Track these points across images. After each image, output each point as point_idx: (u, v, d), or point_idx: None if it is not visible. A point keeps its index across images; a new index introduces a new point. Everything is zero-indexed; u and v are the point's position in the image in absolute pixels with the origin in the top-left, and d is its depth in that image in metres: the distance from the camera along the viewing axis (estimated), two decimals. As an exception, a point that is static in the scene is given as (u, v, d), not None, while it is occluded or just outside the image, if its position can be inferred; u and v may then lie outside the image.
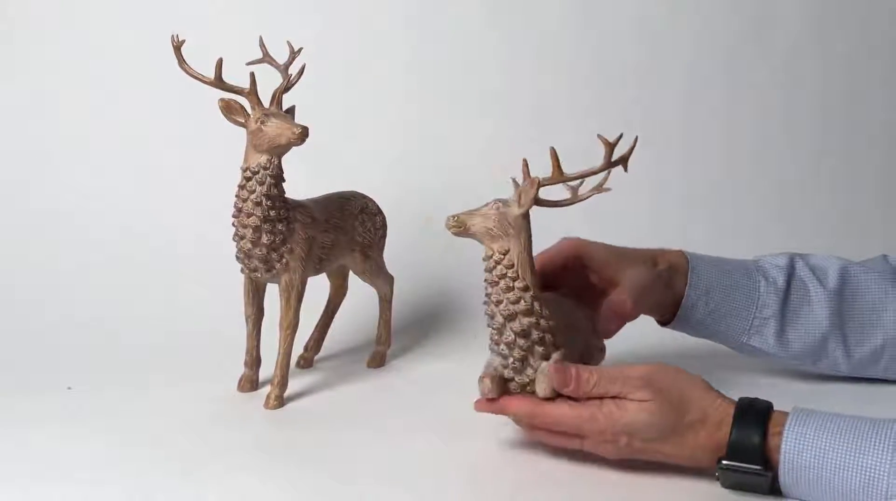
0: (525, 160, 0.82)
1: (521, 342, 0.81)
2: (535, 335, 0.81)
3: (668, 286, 0.98)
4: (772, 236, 1.43)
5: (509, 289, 0.81)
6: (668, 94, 1.53)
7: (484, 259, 0.82)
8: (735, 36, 1.53)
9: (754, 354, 1.03)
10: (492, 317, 0.82)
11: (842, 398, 0.93)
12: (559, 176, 0.82)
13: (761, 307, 1.00)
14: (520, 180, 0.83)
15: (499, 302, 0.81)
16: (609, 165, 0.83)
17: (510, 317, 0.81)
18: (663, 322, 1.02)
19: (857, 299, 1.00)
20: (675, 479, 0.80)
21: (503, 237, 0.81)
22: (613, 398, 0.79)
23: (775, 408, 0.77)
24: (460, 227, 0.81)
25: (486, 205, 0.82)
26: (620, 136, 0.83)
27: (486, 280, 0.82)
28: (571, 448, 0.82)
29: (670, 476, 0.80)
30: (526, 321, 0.81)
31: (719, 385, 0.80)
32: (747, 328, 1.00)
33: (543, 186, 0.81)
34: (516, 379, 0.82)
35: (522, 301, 0.81)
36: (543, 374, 0.81)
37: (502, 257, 0.81)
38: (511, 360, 0.82)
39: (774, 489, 0.76)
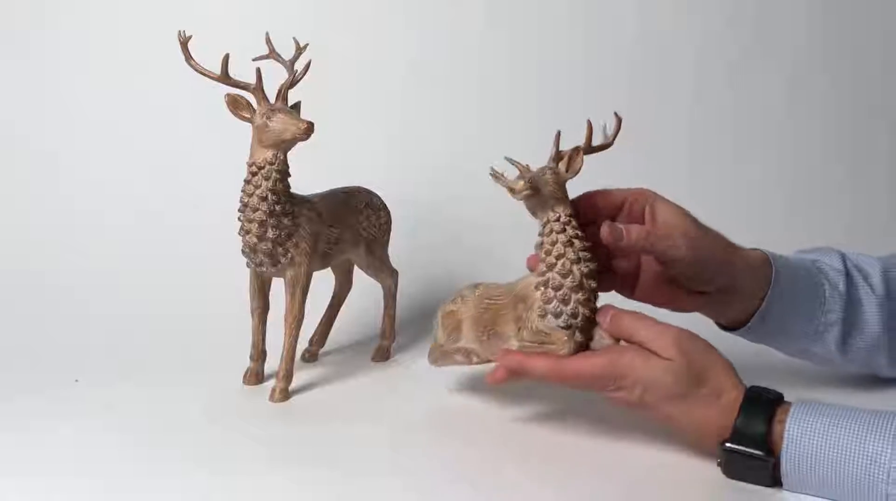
0: (558, 132, 0.84)
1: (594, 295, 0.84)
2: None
3: (732, 286, 0.91)
4: (783, 234, 1.36)
5: (584, 248, 0.83)
6: (674, 90, 1.54)
7: (548, 222, 0.83)
8: (740, 35, 1.55)
9: (810, 360, 0.98)
10: (565, 276, 0.82)
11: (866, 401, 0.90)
12: (589, 144, 0.86)
13: (827, 312, 0.94)
14: (512, 170, 0.85)
15: (577, 260, 0.82)
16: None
17: (589, 275, 0.83)
18: (730, 327, 0.96)
19: None
20: (677, 472, 0.81)
21: (563, 200, 0.83)
22: (639, 344, 0.80)
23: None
24: (533, 190, 0.81)
25: (536, 171, 0.83)
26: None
27: (557, 242, 0.83)
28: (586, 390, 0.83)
29: (672, 471, 0.81)
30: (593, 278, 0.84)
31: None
32: (812, 333, 0.94)
33: (587, 154, 0.85)
34: (581, 338, 0.84)
35: (592, 259, 0.84)
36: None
37: (569, 218, 0.82)
38: (580, 318, 0.84)
39: (775, 480, 0.76)
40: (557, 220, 0.83)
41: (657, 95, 1.53)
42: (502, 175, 0.83)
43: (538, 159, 0.85)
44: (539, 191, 0.82)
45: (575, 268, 0.83)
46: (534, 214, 0.85)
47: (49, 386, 1.01)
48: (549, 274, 0.83)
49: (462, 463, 0.84)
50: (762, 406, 0.77)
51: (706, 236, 0.88)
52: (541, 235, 0.84)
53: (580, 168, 0.84)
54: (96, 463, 0.83)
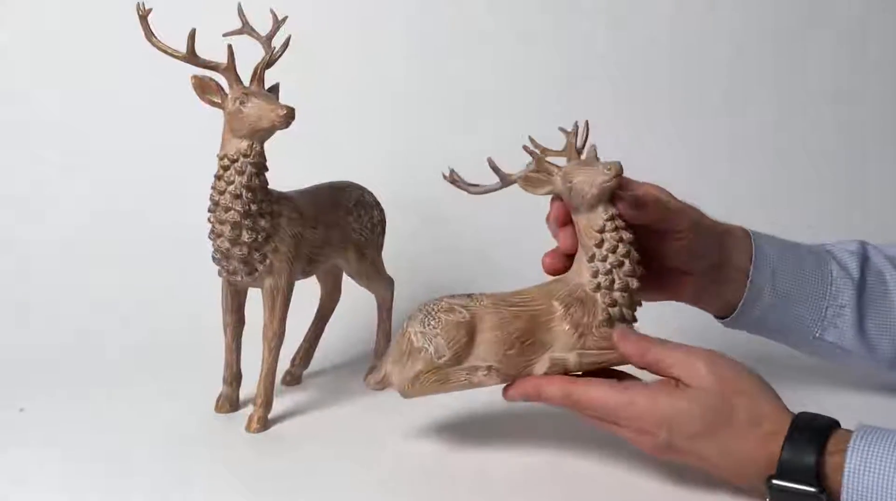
0: (586, 121, 0.85)
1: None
2: None
3: (724, 260, 0.92)
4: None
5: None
6: (679, 95, 1.56)
7: (612, 218, 0.81)
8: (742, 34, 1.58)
9: (829, 355, 0.96)
10: (632, 276, 0.82)
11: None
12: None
13: (835, 294, 0.93)
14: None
15: (640, 261, 0.82)
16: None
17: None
18: (723, 316, 0.96)
19: None
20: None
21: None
22: (669, 377, 0.78)
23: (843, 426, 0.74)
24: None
25: (586, 162, 0.82)
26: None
27: (623, 239, 0.81)
28: (607, 432, 0.81)
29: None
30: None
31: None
32: (820, 319, 0.93)
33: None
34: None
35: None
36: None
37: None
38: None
39: None
40: (619, 216, 0.81)
41: (662, 95, 1.56)
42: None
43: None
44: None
45: (638, 268, 0.82)
46: (591, 208, 0.81)
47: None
48: (615, 273, 0.81)
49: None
50: (812, 434, 0.72)
51: (687, 206, 0.89)
52: (601, 231, 0.81)
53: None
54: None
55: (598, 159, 0.82)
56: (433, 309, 0.85)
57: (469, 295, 0.85)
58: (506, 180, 0.82)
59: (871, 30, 1.59)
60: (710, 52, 1.56)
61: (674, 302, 0.93)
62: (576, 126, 0.84)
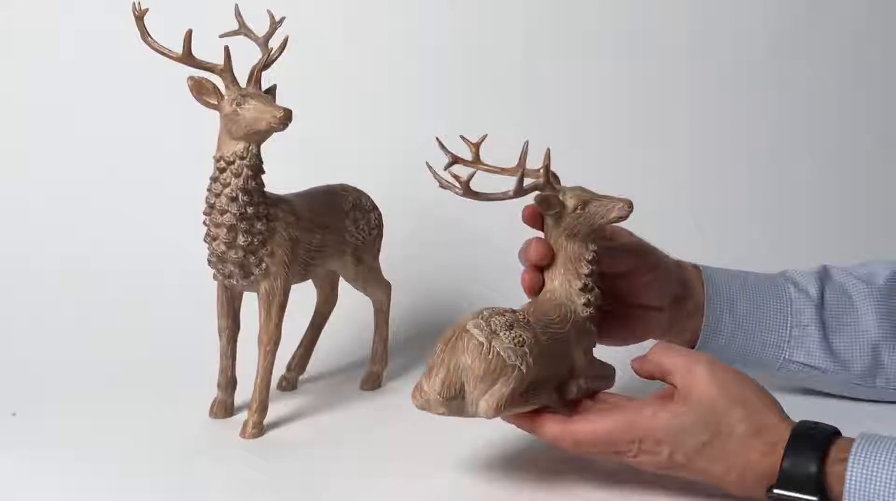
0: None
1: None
2: None
3: (686, 293, 0.95)
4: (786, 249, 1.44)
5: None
6: (674, 97, 1.55)
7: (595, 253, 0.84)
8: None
9: (802, 375, 0.97)
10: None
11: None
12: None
13: (796, 314, 0.96)
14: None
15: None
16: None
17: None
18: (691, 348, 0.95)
19: None
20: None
21: None
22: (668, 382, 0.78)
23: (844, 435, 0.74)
24: None
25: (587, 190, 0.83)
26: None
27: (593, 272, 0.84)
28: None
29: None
30: None
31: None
32: (786, 340, 0.95)
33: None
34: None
35: None
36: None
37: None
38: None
39: None
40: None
41: (661, 97, 1.55)
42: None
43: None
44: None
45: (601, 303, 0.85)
46: (587, 237, 0.82)
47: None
48: (594, 306, 0.84)
49: None
50: (813, 443, 0.72)
51: (643, 242, 0.92)
52: (592, 261, 0.83)
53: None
54: None
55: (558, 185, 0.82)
56: (499, 323, 0.80)
57: (513, 311, 0.81)
58: (518, 192, 0.80)
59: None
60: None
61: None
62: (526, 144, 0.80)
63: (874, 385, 0.97)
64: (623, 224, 0.85)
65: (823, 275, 0.99)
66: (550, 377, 0.79)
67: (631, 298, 0.91)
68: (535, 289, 0.83)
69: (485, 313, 0.79)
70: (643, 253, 0.91)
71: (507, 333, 0.77)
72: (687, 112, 1.55)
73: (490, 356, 0.76)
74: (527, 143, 0.79)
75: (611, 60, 1.54)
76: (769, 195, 1.55)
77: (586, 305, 0.82)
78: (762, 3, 1.56)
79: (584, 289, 0.82)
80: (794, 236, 1.48)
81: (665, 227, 1.34)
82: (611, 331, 0.89)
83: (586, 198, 0.80)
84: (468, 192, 0.79)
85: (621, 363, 0.86)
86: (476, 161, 0.84)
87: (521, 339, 0.77)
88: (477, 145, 0.84)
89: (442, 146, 0.84)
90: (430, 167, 0.80)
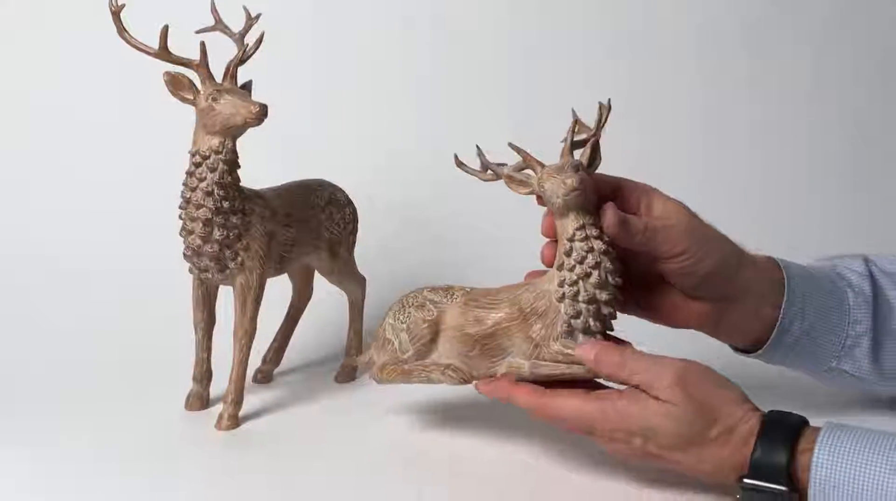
0: (576, 119, 0.81)
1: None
2: None
3: (742, 291, 0.86)
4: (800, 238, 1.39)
5: (616, 258, 0.80)
6: (669, 90, 1.55)
7: (583, 226, 0.79)
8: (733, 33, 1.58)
9: (839, 381, 0.92)
10: (601, 288, 0.79)
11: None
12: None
13: (853, 323, 0.89)
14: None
15: (614, 272, 0.79)
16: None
17: (619, 289, 0.81)
18: (745, 350, 0.91)
19: None
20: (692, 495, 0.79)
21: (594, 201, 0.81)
22: (635, 387, 0.76)
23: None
24: (584, 186, 0.77)
25: (565, 166, 0.78)
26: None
27: (594, 249, 0.78)
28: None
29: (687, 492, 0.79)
30: None
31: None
32: (839, 349, 0.89)
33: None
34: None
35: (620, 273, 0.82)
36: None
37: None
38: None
39: None
40: (594, 224, 0.78)
41: (658, 94, 1.55)
42: (464, 166, 0.82)
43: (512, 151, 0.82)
44: (585, 189, 0.78)
45: (611, 279, 0.79)
46: (561, 215, 0.79)
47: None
48: (581, 284, 0.78)
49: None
50: (782, 434, 0.72)
51: (707, 233, 0.84)
52: (570, 239, 0.79)
53: (598, 165, 0.80)
54: None
55: (571, 165, 0.78)
56: (408, 302, 0.86)
57: (447, 288, 0.85)
58: (491, 173, 0.81)
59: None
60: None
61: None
62: (574, 117, 0.81)
63: None
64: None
65: (871, 278, 0.91)
66: (464, 350, 0.83)
67: (663, 279, 0.85)
68: (548, 262, 0.84)
69: (425, 289, 0.85)
70: (693, 238, 0.82)
71: (409, 310, 0.84)
72: (676, 107, 1.55)
73: (381, 328, 0.86)
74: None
75: (594, 56, 1.53)
76: (758, 186, 1.55)
77: (559, 284, 0.79)
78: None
79: (560, 267, 0.80)
80: (785, 228, 1.46)
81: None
82: (639, 303, 0.86)
83: (542, 176, 0.78)
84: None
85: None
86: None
87: (412, 318, 0.84)
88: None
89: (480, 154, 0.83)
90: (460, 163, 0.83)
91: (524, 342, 0.81)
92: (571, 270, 0.78)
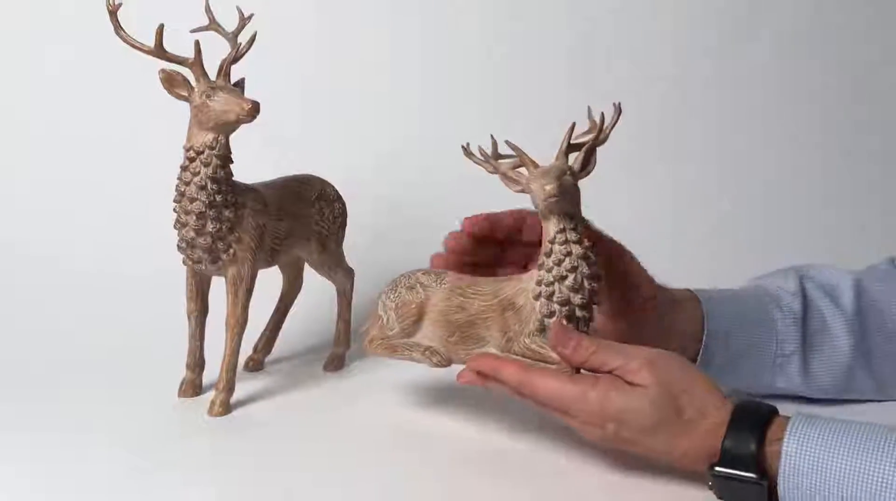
0: (573, 124, 0.80)
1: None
2: None
3: (664, 323, 0.89)
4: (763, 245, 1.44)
5: (595, 263, 0.81)
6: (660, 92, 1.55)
7: (563, 230, 0.79)
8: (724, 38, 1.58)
9: (777, 393, 0.94)
10: (575, 291, 0.80)
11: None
12: (601, 138, 0.82)
13: (781, 344, 0.92)
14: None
15: (591, 276, 0.80)
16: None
17: (597, 293, 0.81)
18: None
19: (879, 318, 0.93)
20: (666, 482, 0.79)
21: (579, 205, 0.81)
22: (610, 373, 0.77)
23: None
24: (562, 195, 0.77)
25: (553, 168, 0.79)
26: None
27: (572, 253, 0.79)
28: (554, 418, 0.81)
29: (660, 479, 0.79)
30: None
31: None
32: (770, 369, 0.92)
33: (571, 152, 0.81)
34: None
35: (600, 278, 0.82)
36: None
37: (584, 228, 0.81)
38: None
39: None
40: (574, 229, 0.79)
41: (645, 89, 1.53)
42: (472, 156, 0.81)
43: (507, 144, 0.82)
44: (566, 194, 0.78)
45: (587, 284, 0.79)
46: (545, 217, 0.80)
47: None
48: (557, 286, 0.79)
49: (420, 484, 0.81)
50: (752, 422, 0.73)
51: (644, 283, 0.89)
52: (551, 241, 0.80)
53: (592, 169, 0.81)
54: (13, 491, 0.79)
55: (556, 170, 0.78)
56: (400, 282, 0.88)
57: (440, 274, 0.87)
58: (492, 169, 0.81)
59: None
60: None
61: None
62: (589, 115, 0.82)
63: (842, 397, 0.95)
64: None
65: (803, 294, 0.94)
66: (445, 334, 0.85)
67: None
68: (449, 248, 0.90)
69: (419, 272, 0.88)
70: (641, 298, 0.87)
71: (399, 290, 0.87)
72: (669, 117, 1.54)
73: (378, 304, 0.89)
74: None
75: (598, 51, 1.53)
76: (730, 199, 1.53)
77: (537, 283, 0.80)
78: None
79: (540, 267, 0.80)
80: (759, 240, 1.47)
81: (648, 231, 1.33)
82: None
83: (529, 177, 0.79)
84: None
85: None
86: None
87: (401, 298, 0.87)
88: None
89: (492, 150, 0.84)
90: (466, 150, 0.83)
91: (499, 333, 0.82)
92: (549, 271, 0.79)
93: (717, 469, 0.73)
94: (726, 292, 0.94)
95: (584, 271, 0.79)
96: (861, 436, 0.70)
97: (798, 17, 1.57)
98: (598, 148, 0.81)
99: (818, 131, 1.58)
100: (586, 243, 0.79)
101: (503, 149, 0.82)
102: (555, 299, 0.79)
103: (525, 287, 0.81)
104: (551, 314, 0.80)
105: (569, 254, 0.79)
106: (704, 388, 0.76)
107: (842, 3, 1.58)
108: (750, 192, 1.55)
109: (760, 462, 0.72)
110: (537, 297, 0.80)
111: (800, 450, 0.70)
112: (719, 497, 0.74)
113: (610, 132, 0.81)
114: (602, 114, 0.81)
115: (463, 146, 0.82)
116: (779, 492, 0.71)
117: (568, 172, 0.78)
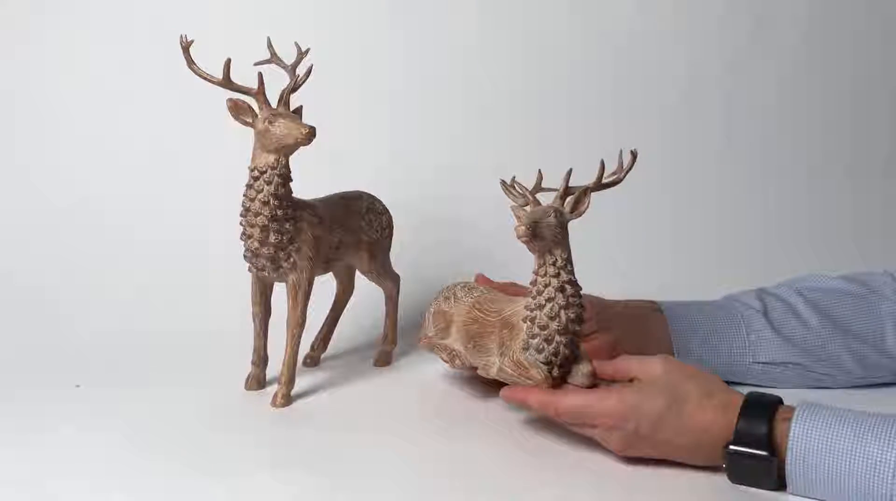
0: (570, 170, 0.84)
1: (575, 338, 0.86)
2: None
3: (645, 330, 1.01)
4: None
5: (575, 294, 0.84)
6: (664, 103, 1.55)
7: (543, 264, 0.84)
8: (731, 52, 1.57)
9: (766, 377, 1.02)
10: (552, 318, 0.84)
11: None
12: (599, 184, 0.85)
13: (748, 323, 1.01)
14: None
15: (566, 306, 0.83)
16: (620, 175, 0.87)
17: (576, 320, 0.85)
18: None
19: (840, 317, 1.02)
20: (679, 477, 0.82)
21: (563, 243, 0.83)
22: (631, 381, 0.83)
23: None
24: (533, 236, 0.81)
25: (539, 211, 0.83)
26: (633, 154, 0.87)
27: (550, 285, 0.84)
28: (585, 435, 0.85)
29: (674, 477, 0.82)
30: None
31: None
32: (747, 346, 1.01)
33: (594, 191, 0.85)
34: (559, 374, 0.86)
35: (581, 305, 0.85)
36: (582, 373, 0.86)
37: (565, 262, 0.84)
38: (561, 356, 0.85)
39: (780, 483, 0.77)
40: (553, 264, 0.84)
41: (655, 99, 1.55)
42: (512, 189, 0.86)
43: (539, 164, 0.86)
44: (539, 236, 0.82)
45: (563, 313, 0.84)
46: (531, 250, 0.84)
47: (49, 390, 1.02)
48: (538, 313, 0.85)
49: (467, 470, 0.84)
50: (763, 408, 0.79)
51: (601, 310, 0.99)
52: (535, 273, 0.85)
53: (585, 211, 0.85)
54: (96, 465, 0.84)
55: (531, 215, 0.82)
56: (443, 293, 0.97)
57: (471, 287, 0.95)
58: (523, 201, 0.86)
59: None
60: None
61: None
62: (601, 166, 0.85)
63: (828, 372, 1.01)
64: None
65: (760, 292, 1.04)
66: (465, 342, 0.93)
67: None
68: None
69: (458, 286, 0.96)
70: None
71: (439, 299, 0.96)
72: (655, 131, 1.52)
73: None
74: (569, 171, 0.84)
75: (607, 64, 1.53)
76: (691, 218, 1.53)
77: (526, 308, 0.86)
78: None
79: (528, 294, 0.86)
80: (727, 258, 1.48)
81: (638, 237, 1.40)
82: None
83: (527, 214, 0.83)
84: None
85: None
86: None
87: (438, 307, 0.96)
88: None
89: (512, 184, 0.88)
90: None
91: (497, 346, 0.88)
92: (534, 298, 0.85)
93: (732, 447, 0.78)
94: (687, 301, 1.05)
95: (560, 302, 0.83)
96: (857, 422, 0.75)
97: (802, 34, 1.58)
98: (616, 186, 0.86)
99: (820, 154, 1.59)
100: (565, 275, 0.83)
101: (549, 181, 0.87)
102: (536, 323, 0.85)
103: (519, 310, 0.87)
104: (533, 336, 0.85)
105: (547, 286, 0.83)
106: (710, 376, 0.83)
107: (842, 22, 1.59)
108: (755, 209, 1.56)
109: (770, 442, 0.77)
110: (524, 320, 0.86)
111: (805, 434, 0.75)
112: (731, 477, 0.79)
113: (624, 177, 0.86)
114: (620, 155, 0.86)
115: (502, 181, 0.87)
116: (786, 470, 0.77)
117: (553, 214, 0.82)
